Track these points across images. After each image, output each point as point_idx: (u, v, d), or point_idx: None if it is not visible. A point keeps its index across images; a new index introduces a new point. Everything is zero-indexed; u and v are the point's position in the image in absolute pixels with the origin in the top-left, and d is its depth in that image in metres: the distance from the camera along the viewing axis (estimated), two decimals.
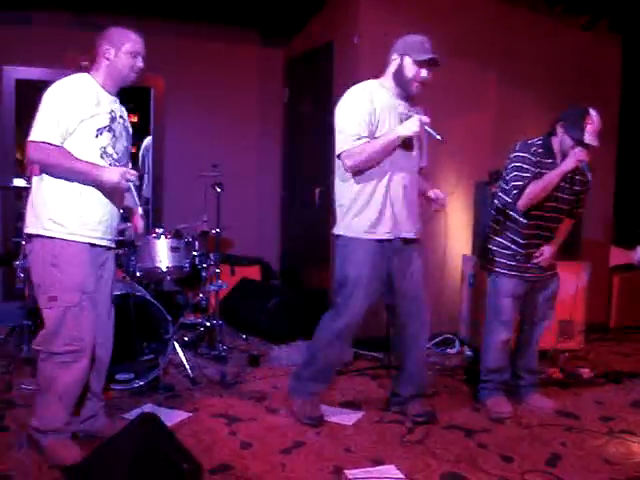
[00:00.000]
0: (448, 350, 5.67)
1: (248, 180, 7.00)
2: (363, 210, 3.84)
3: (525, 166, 4.09)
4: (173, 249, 4.89)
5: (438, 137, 3.67)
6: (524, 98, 6.17)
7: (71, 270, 3.26)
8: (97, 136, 3.30)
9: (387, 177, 3.80)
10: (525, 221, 4.16)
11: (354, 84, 5.53)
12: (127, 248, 4.82)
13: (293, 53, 6.88)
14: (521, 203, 4.08)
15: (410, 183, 3.89)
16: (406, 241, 3.92)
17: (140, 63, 3.39)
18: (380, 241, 3.84)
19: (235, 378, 4.74)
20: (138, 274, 4.80)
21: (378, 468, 3.45)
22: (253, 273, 6.67)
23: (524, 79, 6.15)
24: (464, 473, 3.39)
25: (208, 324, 5.39)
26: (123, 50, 3.34)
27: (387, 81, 3.86)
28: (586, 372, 5.03)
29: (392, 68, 3.83)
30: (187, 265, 5.00)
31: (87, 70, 3.39)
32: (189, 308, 5.58)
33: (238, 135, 7.03)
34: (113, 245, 3.54)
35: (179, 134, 6.83)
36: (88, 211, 3.31)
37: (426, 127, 3.70)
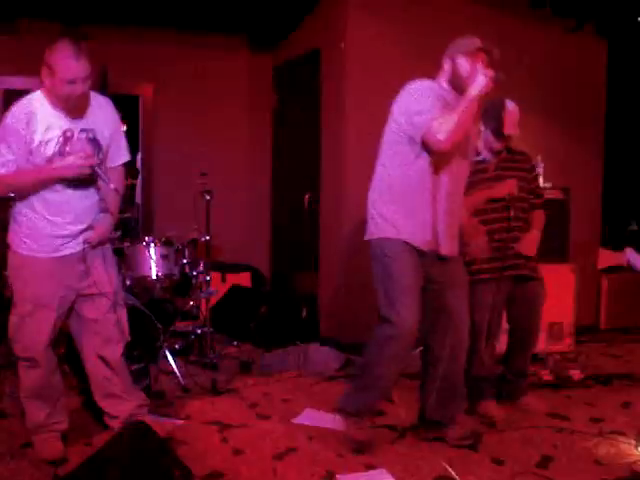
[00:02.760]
0: None
1: (238, 187, 7.01)
2: None
3: None
4: (163, 257, 4.90)
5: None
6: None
7: (26, 282, 3.37)
8: (49, 162, 3.27)
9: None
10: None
11: (341, 90, 5.57)
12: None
13: (281, 59, 6.90)
14: None
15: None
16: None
17: (78, 90, 3.19)
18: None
19: (226, 385, 4.74)
20: (128, 282, 4.82)
21: (370, 472, 3.46)
22: (244, 280, 6.67)
23: (509, 83, 6.17)
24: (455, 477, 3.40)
25: (199, 331, 5.39)
26: (57, 77, 3.15)
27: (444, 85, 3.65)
28: (576, 374, 5.05)
29: (446, 75, 3.63)
30: (177, 273, 5.01)
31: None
32: (179, 316, 5.57)
33: (228, 141, 7.04)
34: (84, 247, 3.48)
35: (168, 141, 6.83)
36: (47, 230, 3.35)
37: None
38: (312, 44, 6.17)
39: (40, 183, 3.28)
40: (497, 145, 4.20)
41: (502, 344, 4.48)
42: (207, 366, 5.14)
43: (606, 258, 6.84)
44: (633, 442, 3.90)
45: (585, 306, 6.21)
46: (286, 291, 6.74)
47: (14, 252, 3.40)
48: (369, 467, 3.51)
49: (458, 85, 3.55)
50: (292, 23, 6.45)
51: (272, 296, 6.46)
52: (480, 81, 3.36)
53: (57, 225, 3.36)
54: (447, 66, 3.61)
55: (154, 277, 4.86)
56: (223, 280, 6.45)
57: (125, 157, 3.68)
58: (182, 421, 4.03)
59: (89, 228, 3.47)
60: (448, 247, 3.64)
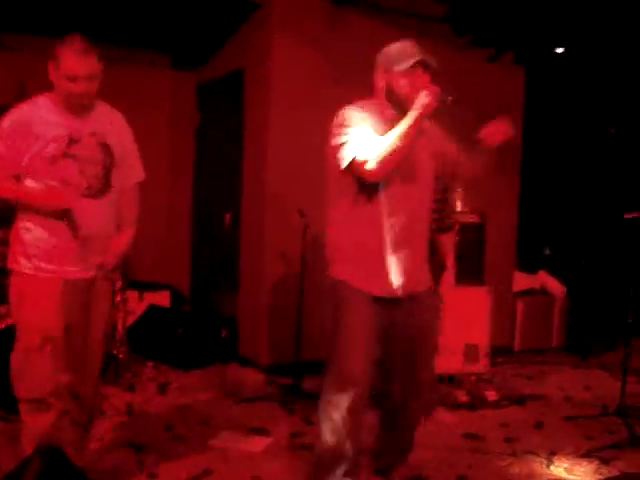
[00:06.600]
0: None
1: (158, 204, 6.90)
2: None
3: None
4: None
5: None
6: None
7: (35, 309, 3.01)
8: (51, 165, 3.01)
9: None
10: None
11: (264, 111, 5.57)
12: None
13: (205, 78, 6.87)
14: None
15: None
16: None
17: (80, 88, 2.98)
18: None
19: (143, 407, 4.65)
20: None
21: None
22: (162, 299, 6.56)
23: None
24: None
25: (115, 352, 5.28)
26: (60, 72, 2.97)
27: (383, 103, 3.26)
28: (491, 395, 5.14)
29: (382, 93, 3.23)
30: None
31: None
32: None
33: (148, 159, 6.84)
34: (96, 274, 3.23)
35: None
36: (59, 243, 3.06)
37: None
38: (236, 64, 6.17)
39: (23, 204, 3.04)
40: None
41: None
42: (123, 387, 5.04)
43: (521, 281, 7.01)
44: (545, 461, 4.00)
45: (500, 328, 6.33)
46: (205, 311, 6.67)
47: (20, 273, 3.06)
48: None
49: (397, 103, 3.17)
50: (216, 43, 6.43)
51: (191, 316, 6.40)
52: (423, 101, 2.99)
53: (90, 231, 3.12)
54: (382, 83, 3.22)
55: None
56: (140, 299, 6.33)
57: (139, 175, 3.49)
58: (96, 443, 3.94)
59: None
60: (405, 286, 3.22)
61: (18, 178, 3.04)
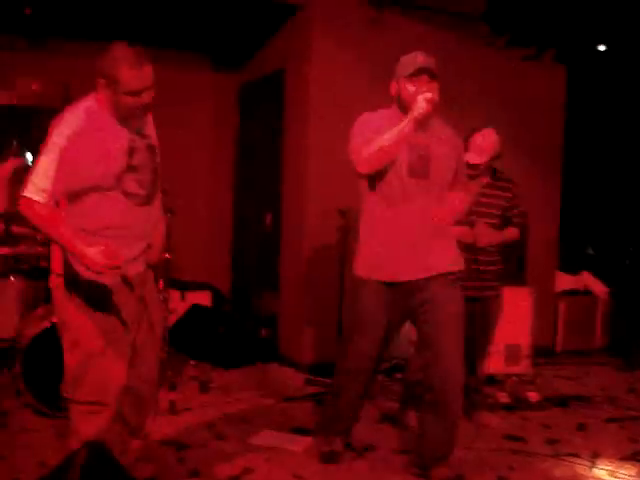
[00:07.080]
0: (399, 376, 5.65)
1: (200, 205, 6.98)
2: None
3: None
4: None
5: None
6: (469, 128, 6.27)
7: (96, 311, 2.90)
8: (117, 182, 2.85)
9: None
10: None
11: (304, 112, 5.60)
12: None
13: (246, 79, 6.91)
14: None
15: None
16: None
17: (143, 100, 2.82)
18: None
19: (184, 405, 4.69)
20: None
21: None
22: (203, 299, 6.62)
23: (469, 110, 6.24)
24: None
25: None
26: (121, 89, 2.76)
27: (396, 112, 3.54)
28: (533, 396, 5.09)
29: (394, 100, 3.54)
30: None
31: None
32: None
33: (190, 159, 7.00)
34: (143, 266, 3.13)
35: None
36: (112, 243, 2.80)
37: None
38: (277, 65, 6.20)
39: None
40: (468, 171, 4.06)
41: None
42: (165, 385, 5.09)
43: (563, 282, 6.94)
44: (588, 464, 3.95)
45: (542, 329, 6.27)
46: (246, 311, 6.71)
47: (75, 275, 2.87)
48: None
49: (403, 108, 3.43)
50: (257, 44, 6.47)
51: (232, 315, 6.44)
52: (419, 106, 3.23)
53: (138, 227, 2.99)
54: (394, 90, 3.52)
55: None
56: (182, 298, 6.39)
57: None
58: (138, 441, 3.98)
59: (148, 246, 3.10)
60: (412, 272, 3.50)
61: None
